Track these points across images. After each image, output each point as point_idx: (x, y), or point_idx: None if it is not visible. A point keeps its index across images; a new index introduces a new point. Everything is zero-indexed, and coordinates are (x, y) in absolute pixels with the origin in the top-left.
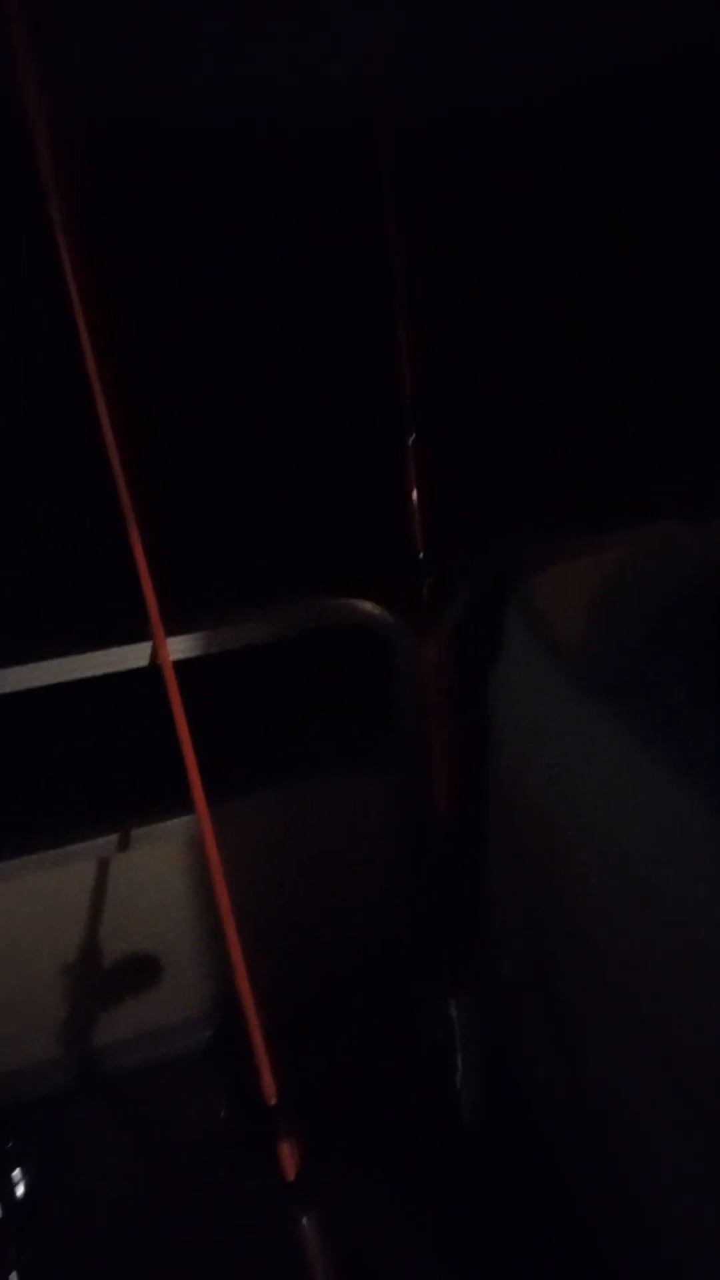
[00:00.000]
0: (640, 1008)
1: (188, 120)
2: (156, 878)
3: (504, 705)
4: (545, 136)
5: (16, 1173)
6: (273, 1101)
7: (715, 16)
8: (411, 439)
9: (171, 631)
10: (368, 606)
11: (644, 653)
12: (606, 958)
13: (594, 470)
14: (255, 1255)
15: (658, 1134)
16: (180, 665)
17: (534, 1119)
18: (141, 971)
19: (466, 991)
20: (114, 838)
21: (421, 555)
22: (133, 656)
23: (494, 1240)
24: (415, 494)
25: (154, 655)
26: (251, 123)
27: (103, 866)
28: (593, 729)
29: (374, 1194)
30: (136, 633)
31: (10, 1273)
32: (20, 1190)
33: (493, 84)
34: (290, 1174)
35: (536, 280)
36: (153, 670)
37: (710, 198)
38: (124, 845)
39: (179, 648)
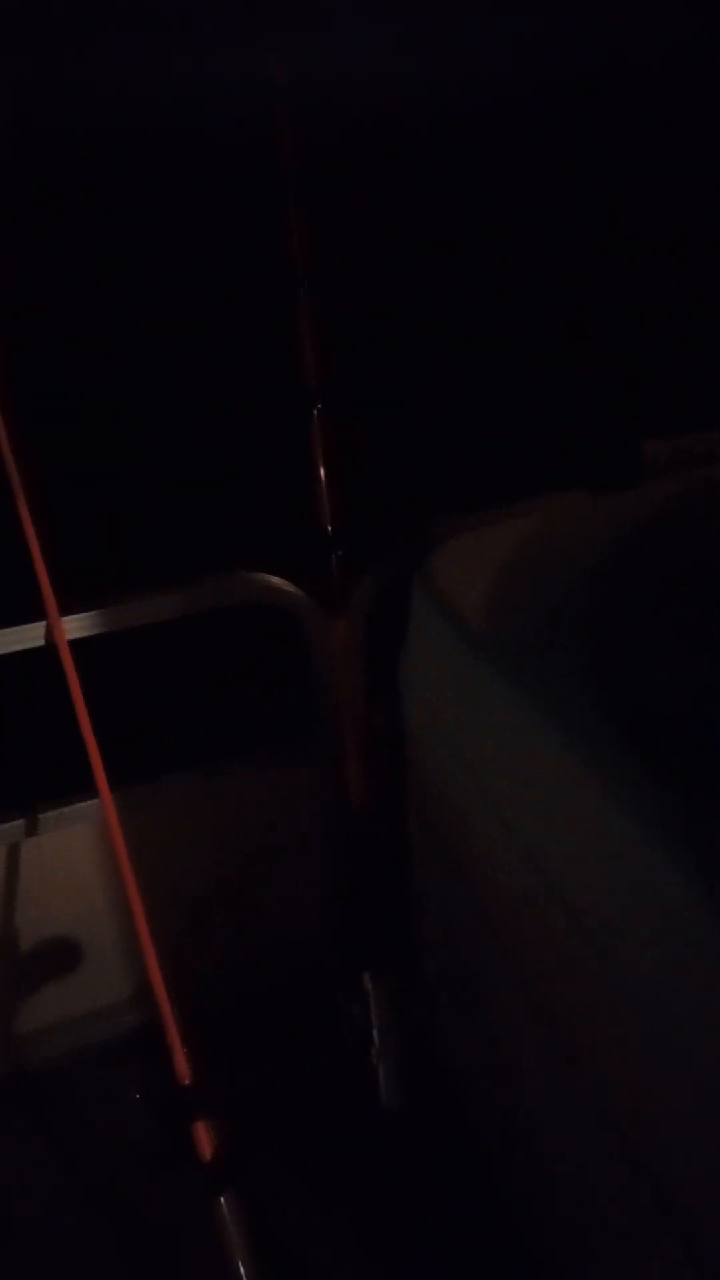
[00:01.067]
0: (545, 999)
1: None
2: (70, 862)
3: (412, 685)
4: (450, 116)
5: None
6: (186, 1082)
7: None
8: (316, 410)
9: (70, 610)
10: (275, 582)
11: (544, 629)
12: (516, 947)
13: (503, 441)
14: (172, 1236)
15: (563, 1122)
16: (85, 643)
17: (452, 1097)
18: (61, 958)
19: (384, 969)
20: (21, 822)
21: (330, 529)
22: (27, 636)
23: (411, 1217)
24: (322, 467)
25: (49, 634)
26: (147, 116)
27: (12, 851)
28: (496, 706)
29: (291, 1173)
30: (33, 611)
31: None
32: None
33: (388, 76)
34: (206, 1154)
35: (442, 253)
36: (51, 650)
37: (605, 174)
38: (32, 830)
39: (76, 626)
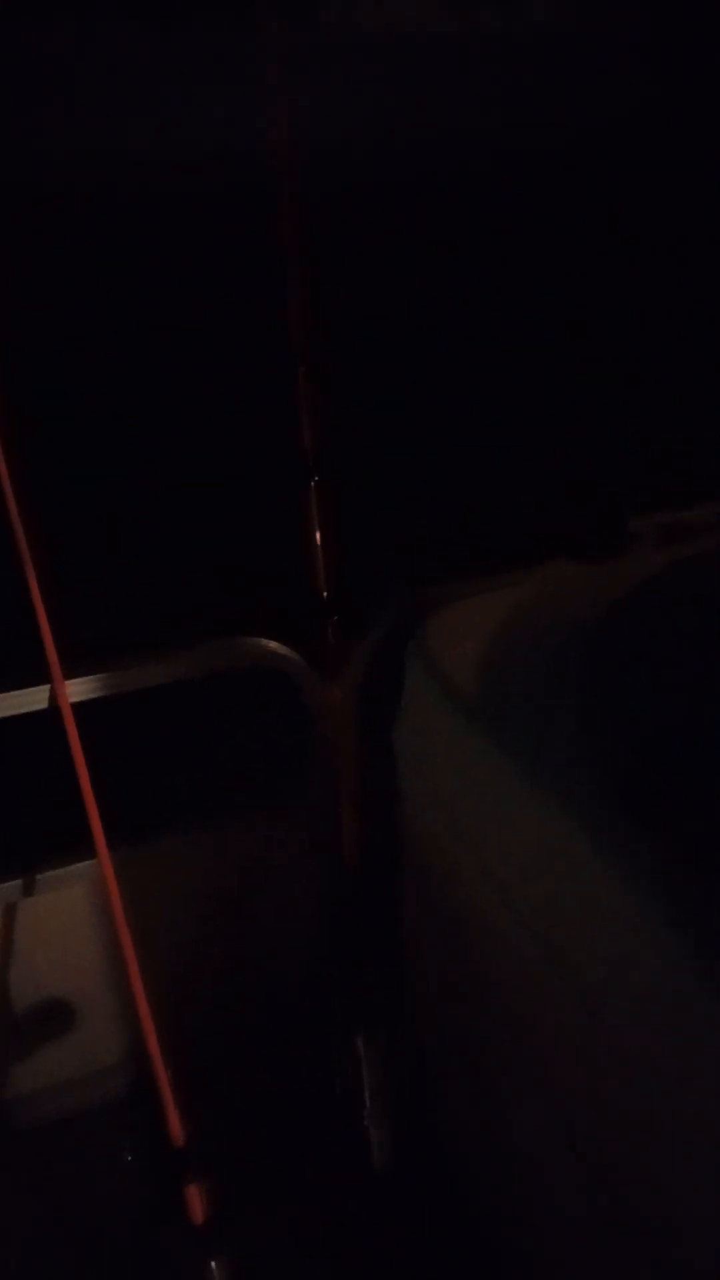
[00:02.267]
0: (539, 1059)
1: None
2: (66, 923)
3: (407, 749)
4: (446, 192)
5: None
6: (180, 1144)
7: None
8: (314, 482)
9: (73, 673)
10: (273, 646)
11: (535, 694)
12: (511, 1007)
13: (494, 511)
14: None
15: (557, 1187)
16: (85, 706)
17: (445, 1160)
18: (54, 1019)
19: (377, 1032)
20: (19, 883)
21: (326, 596)
22: (31, 700)
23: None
24: (319, 535)
25: (53, 698)
26: (154, 178)
27: (9, 912)
28: (488, 769)
29: (283, 1236)
30: (36, 674)
31: None
32: None
33: (392, 144)
34: (198, 1217)
35: (434, 324)
36: (53, 713)
37: (598, 246)
38: (29, 890)
39: (79, 690)
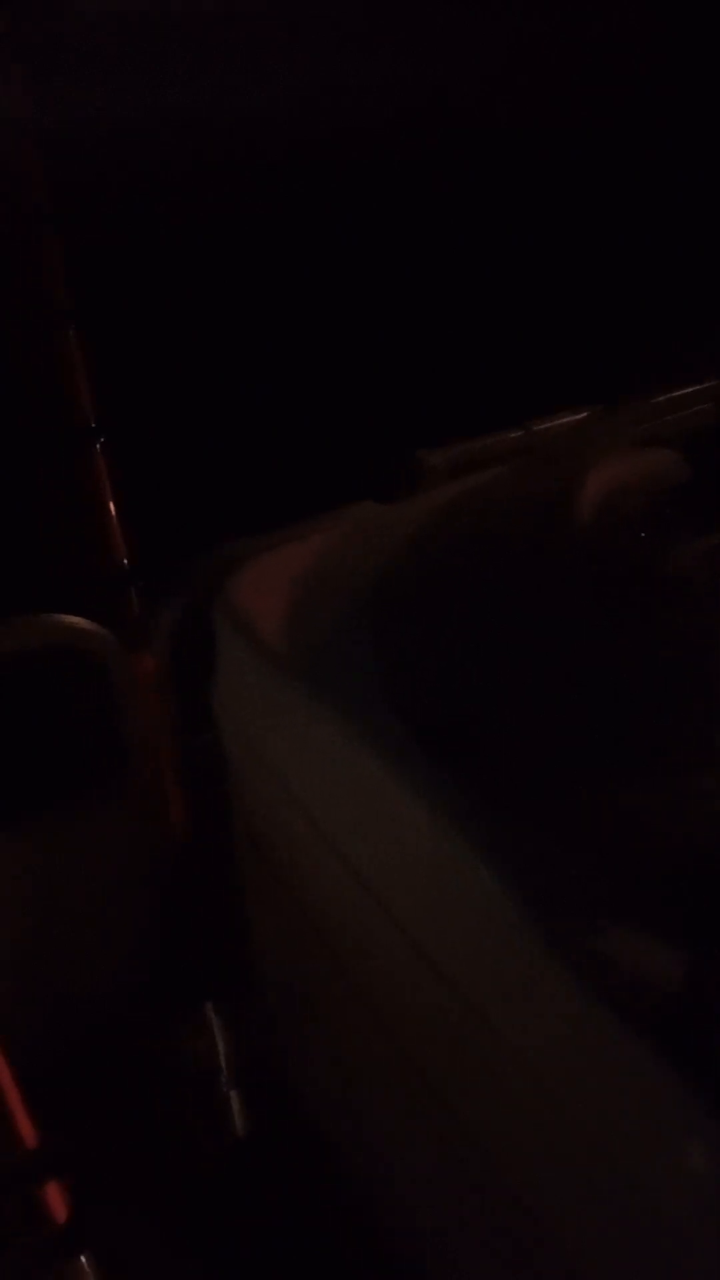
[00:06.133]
0: (378, 1008)
1: None
2: None
3: (226, 712)
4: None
5: None
6: (32, 1144)
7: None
8: (99, 443)
9: None
10: (75, 622)
11: (339, 642)
12: (346, 958)
13: (291, 460)
14: None
15: (409, 1132)
16: None
17: (302, 1115)
18: None
19: (226, 999)
20: None
21: (126, 562)
22: None
23: (278, 1250)
24: (112, 501)
25: None
26: None
27: None
28: (300, 723)
29: (147, 1216)
30: None
31: None
32: None
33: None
34: (60, 1216)
35: (210, 274)
36: None
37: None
38: None
39: None
